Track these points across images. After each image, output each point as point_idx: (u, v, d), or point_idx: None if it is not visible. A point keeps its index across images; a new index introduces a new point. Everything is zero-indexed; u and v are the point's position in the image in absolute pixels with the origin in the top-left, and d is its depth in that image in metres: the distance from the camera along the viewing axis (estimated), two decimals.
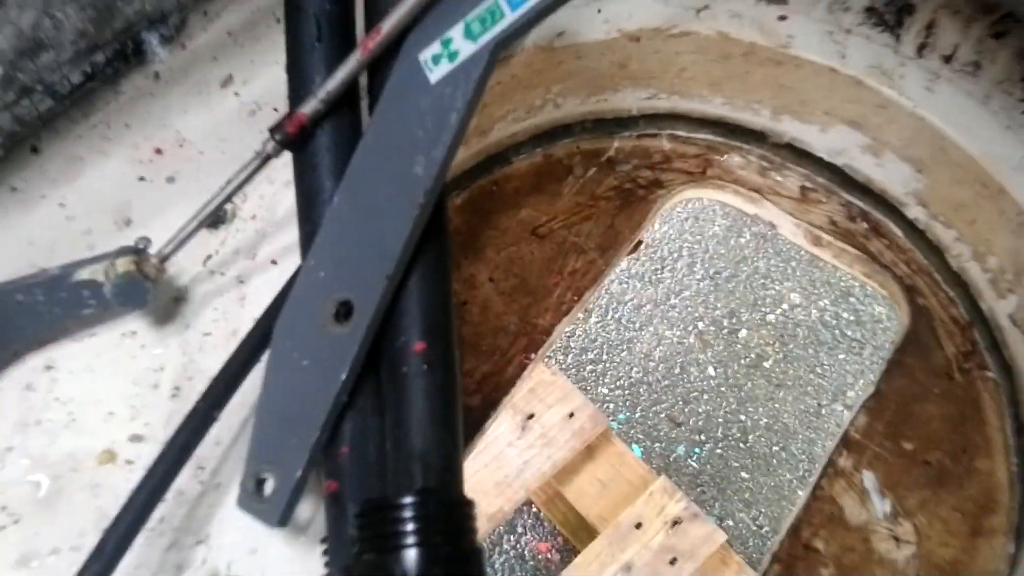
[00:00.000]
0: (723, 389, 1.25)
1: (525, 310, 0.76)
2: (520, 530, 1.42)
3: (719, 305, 1.25)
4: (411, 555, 0.43)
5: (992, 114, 0.70)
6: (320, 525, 0.53)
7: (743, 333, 1.25)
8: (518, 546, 1.36)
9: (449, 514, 0.46)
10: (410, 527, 0.44)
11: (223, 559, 0.51)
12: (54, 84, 0.63)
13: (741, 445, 1.45)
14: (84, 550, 0.51)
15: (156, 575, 0.51)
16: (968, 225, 0.71)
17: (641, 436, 1.19)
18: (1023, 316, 0.69)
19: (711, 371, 1.24)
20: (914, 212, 0.75)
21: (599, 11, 0.72)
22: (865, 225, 0.79)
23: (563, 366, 1.24)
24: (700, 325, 1.24)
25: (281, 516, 0.47)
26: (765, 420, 1.46)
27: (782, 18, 0.73)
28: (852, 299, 1.43)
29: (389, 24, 0.50)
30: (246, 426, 0.55)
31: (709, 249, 1.27)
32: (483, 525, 0.85)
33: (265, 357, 0.52)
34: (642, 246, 0.97)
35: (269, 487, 0.48)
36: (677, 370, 1.22)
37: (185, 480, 0.52)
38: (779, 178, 0.81)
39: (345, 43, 0.55)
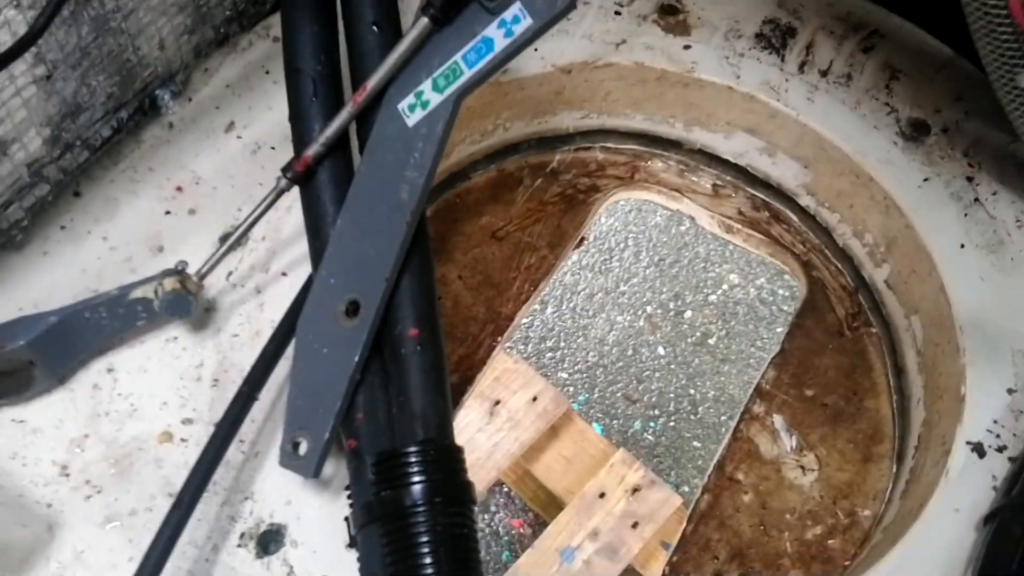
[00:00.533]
0: (673, 367, 1.28)
1: (490, 301, 0.91)
2: (494, 509, 1.51)
3: (665, 289, 1.28)
4: (417, 488, 0.57)
5: (861, 117, 0.85)
6: (340, 480, 0.66)
7: (688, 314, 1.29)
8: (493, 523, 1.45)
9: (444, 456, 0.60)
10: (415, 468, 0.58)
11: (266, 510, 0.65)
12: (89, 139, 0.76)
13: (692, 417, 1.56)
14: (156, 511, 0.64)
15: (215, 526, 0.64)
16: (848, 209, 0.87)
17: (600, 415, 1.23)
18: (895, 281, 0.84)
19: (661, 351, 1.27)
20: (805, 200, 0.91)
21: (536, 49, 0.86)
22: (767, 214, 0.94)
23: (525, 355, 1.27)
24: (648, 309, 1.27)
25: (315, 469, 0.61)
26: (713, 392, 1.57)
27: (687, 47, 0.88)
28: (786, 276, 1.56)
29: (373, 82, 0.64)
30: (275, 406, 0.68)
31: (653, 238, 1.31)
32: None
33: (290, 349, 0.66)
34: (585, 242, 1.10)
35: (303, 448, 0.62)
36: (630, 352, 1.25)
37: (230, 452, 0.65)
38: (694, 178, 0.96)
39: (336, 97, 0.69)
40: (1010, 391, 0.71)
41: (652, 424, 1.23)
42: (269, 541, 0.64)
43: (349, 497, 0.62)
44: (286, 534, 0.64)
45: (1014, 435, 0.69)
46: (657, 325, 1.25)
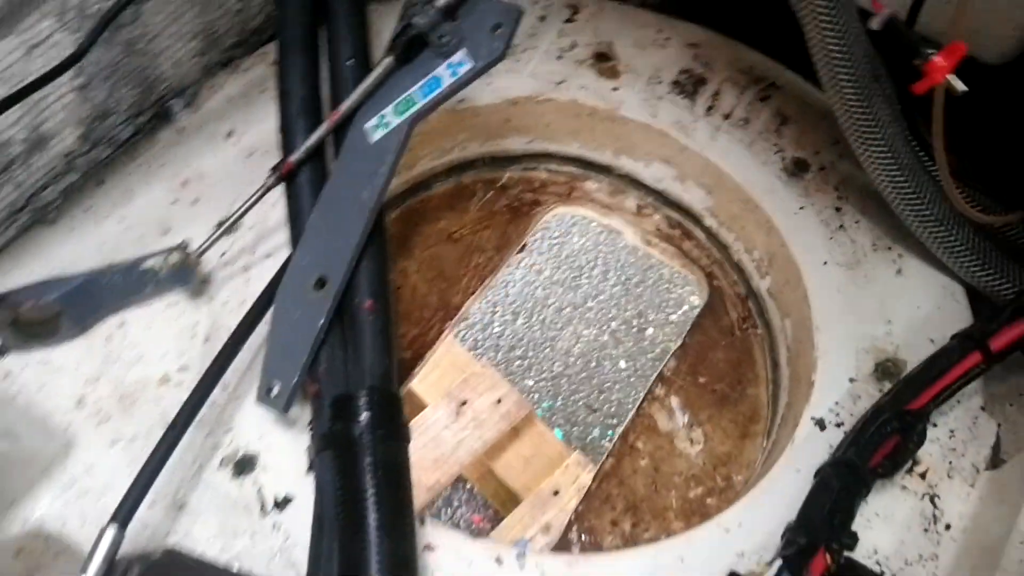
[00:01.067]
0: (632, 379, 1.32)
1: (442, 292, 1.07)
2: (456, 504, 1.62)
3: (629, 307, 1.33)
4: (363, 423, 0.73)
5: (754, 155, 1.03)
6: (303, 420, 0.82)
7: (650, 331, 1.33)
8: (455, 517, 1.57)
9: (386, 400, 0.76)
10: (363, 407, 0.74)
11: (243, 440, 0.80)
12: (113, 138, 0.93)
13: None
14: (153, 438, 0.79)
15: (200, 452, 0.80)
16: (741, 230, 1.04)
17: (562, 421, 1.28)
18: (774, 290, 1.01)
19: (622, 364, 1.32)
20: (708, 221, 1.08)
21: (489, 84, 1.03)
22: (679, 231, 1.11)
23: (494, 362, 1.32)
24: (613, 325, 1.33)
25: (286, 406, 0.77)
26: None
27: (615, 89, 1.05)
28: (692, 284, 1.62)
29: (346, 105, 0.81)
30: (253, 361, 0.84)
31: (621, 259, 1.36)
32: (424, 495, 0.99)
33: (269, 314, 0.82)
34: (526, 248, 1.24)
35: (276, 390, 0.78)
36: (593, 364, 1.30)
37: (216, 394, 0.80)
38: (622, 198, 1.13)
39: (316, 116, 0.86)
40: (851, 380, 0.88)
41: (610, 432, 1.27)
42: (244, 465, 0.80)
43: (311, 429, 0.78)
44: (258, 460, 0.80)
45: (851, 415, 0.85)
46: (620, 340, 1.30)
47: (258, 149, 0.97)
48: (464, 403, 1.06)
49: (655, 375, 1.04)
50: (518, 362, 1.28)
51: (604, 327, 1.30)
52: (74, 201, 0.91)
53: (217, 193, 0.94)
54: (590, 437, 1.25)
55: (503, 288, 1.31)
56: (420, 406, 1.02)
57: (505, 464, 1.05)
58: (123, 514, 0.69)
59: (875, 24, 0.78)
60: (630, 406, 1.35)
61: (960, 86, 0.76)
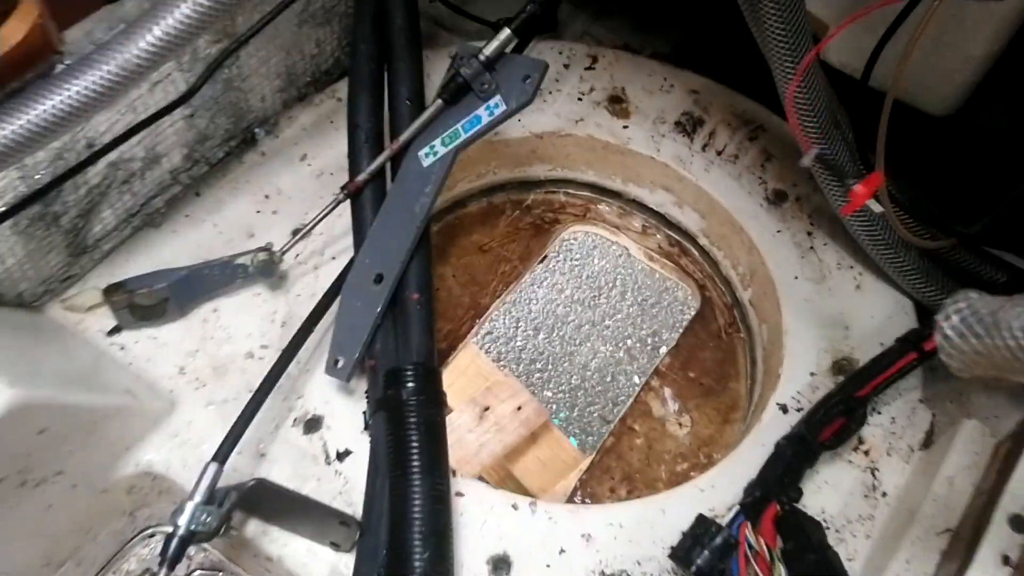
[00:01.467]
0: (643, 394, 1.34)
1: (473, 295, 1.27)
2: None
3: (644, 327, 1.37)
4: (409, 387, 0.92)
5: (741, 186, 1.21)
6: (360, 390, 1.01)
7: (663, 349, 1.36)
8: None
9: (428, 373, 0.95)
10: (409, 377, 0.93)
11: (312, 404, 0.99)
12: (209, 158, 1.13)
13: None
14: (240, 400, 0.98)
15: (277, 413, 0.99)
16: (729, 248, 1.23)
17: (577, 431, 1.30)
18: (754, 300, 1.20)
19: (636, 379, 1.34)
20: (703, 241, 1.26)
21: (519, 121, 1.22)
22: (677, 249, 1.30)
23: (516, 373, 1.35)
24: (629, 342, 1.36)
25: (348, 376, 0.96)
26: None
27: (625, 127, 1.25)
28: (687, 294, 1.70)
29: (404, 137, 1.00)
30: (321, 341, 1.03)
31: (638, 281, 1.41)
32: None
33: (335, 304, 1.01)
34: (547, 259, 1.40)
35: (341, 363, 0.97)
36: (609, 378, 1.34)
37: (291, 367, 1.00)
38: (629, 219, 1.32)
39: (379, 145, 1.05)
40: (812, 374, 1.05)
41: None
42: (312, 424, 0.99)
43: (367, 397, 0.97)
44: (323, 421, 0.99)
45: (809, 402, 1.03)
46: (635, 357, 1.35)
47: (326, 171, 1.17)
48: (487, 409, 1.15)
49: (652, 369, 1.22)
50: (538, 374, 1.34)
51: (620, 344, 1.36)
52: (176, 208, 1.11)
53: (292, 206, 1.13)
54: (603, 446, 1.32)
55: (526, 305, 1.37)
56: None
57: (523, 467, 1.12)
58: (222, 454, 0.88)
59: (806, 161, 0.96)
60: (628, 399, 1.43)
61: (877, 208, 0.94)
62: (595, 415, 1.27)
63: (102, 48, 0.74)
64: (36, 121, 0.73)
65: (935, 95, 1.08)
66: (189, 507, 0.84)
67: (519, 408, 1.16)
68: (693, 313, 1.26)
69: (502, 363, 1.27)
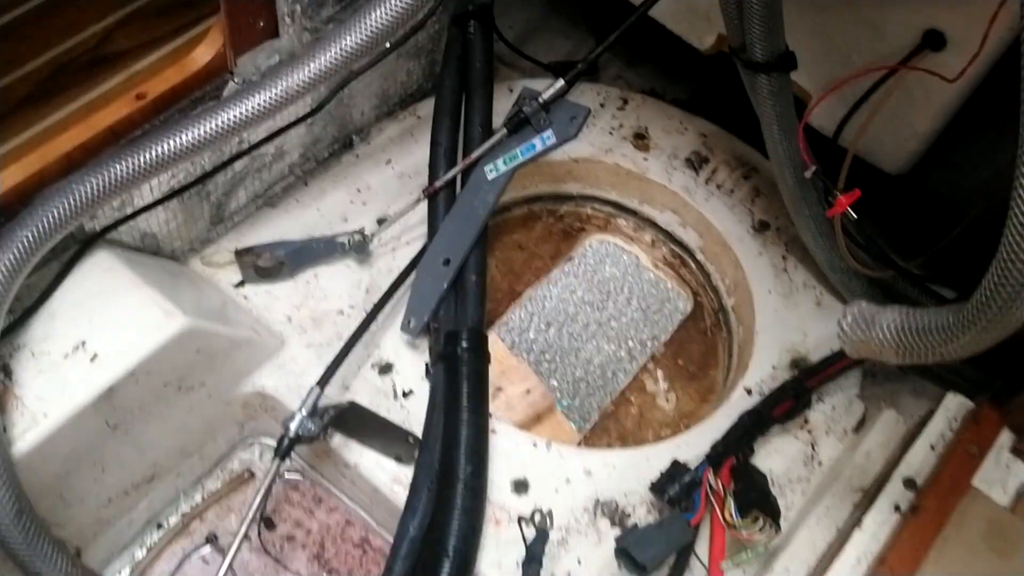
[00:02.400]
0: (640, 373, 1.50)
1: (510, 283, 1.56)
2: None
3: (646, 330, 1.51)
4: (463, 345, 1.22)
5: (733, 215, 1.50)
6: (423, 347, 1.30)
7: (661, 350, 1.52)
8: None
9: (478, 336, 1.24)
10: (464, 337, 1.23)
11: (385, 353, 1.28)
12: (317, 156, 1.43)
13: None
14: (333, 346, 1.27)
15: (360, 358, 1.28)
16: (719, 264, 1.52)
17: (577, 418, 1.43)
18: (736, 307, 1.49)
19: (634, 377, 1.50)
20: (699, 256, 1.55)
21: (560, 148, 1.52)
22: (679, 261, 1.59)
23: (527, 361, 1.48)
24: (630, 343, 1.50)
25: (418, 333, 1.26)
26: None
27: (645, 159, 1.54)
28: (682, 298, 1.62)
29: (474, 155, 1.30)
30: (396, 306, 1.32)
31: (644, 289, 1.56)
32: None
33: (410, 278, 1.31)
34: (572, 260, 1.67)
35: (412, 323, 1.27)
36: (610, 374, 1.47)
37: (373, 324, 1.29)
38: (642, 233, 1.62)
39: (453, 159, 1.35)
40: (773, 367, 1.34)
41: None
42: (385, 369, 1.28)
43: (430, 354, 1.27)
44: (394, 367, 1.28)
45: (769, 388, 1.32)
46: (635, 357, 1.50)
47: (405, 173, 1.47)
48: (499, 389, 1.30)
49: (648, 357, 1.51)
50: (546, 364, 1.47)
51: (622, 344, 1.50)
52: (289, 194, 1.40)
53: (378, 199, 1.43)
54: (585, 432, 1.44)
55: (541, 302, 1.52)
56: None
57: None
58: (323, 381, 1.18)
59: (808, 174, 1.25)
60: (595, 404, 1.51)
61: (853, 215, 1.23)
62: (594, 405, 1.44)
63: (271, 74, 1.03)
64: (216, 128, 1.02)
65: (890, 157, 1.36)
66: (298, 417, 1.14)
67: (528, 391, 1.32)
68: (687, 314, 1.55)
69: (515, 351, 1.43)
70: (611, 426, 1.43)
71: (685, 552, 1.10)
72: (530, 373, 1.33)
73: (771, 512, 1.10)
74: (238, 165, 1.25)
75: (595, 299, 1.54)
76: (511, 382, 1.28)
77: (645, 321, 1.52)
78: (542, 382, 1.27)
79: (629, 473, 1.22)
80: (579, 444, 1.40)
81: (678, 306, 1.57)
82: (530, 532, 1.14)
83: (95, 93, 1.04)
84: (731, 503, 1.13)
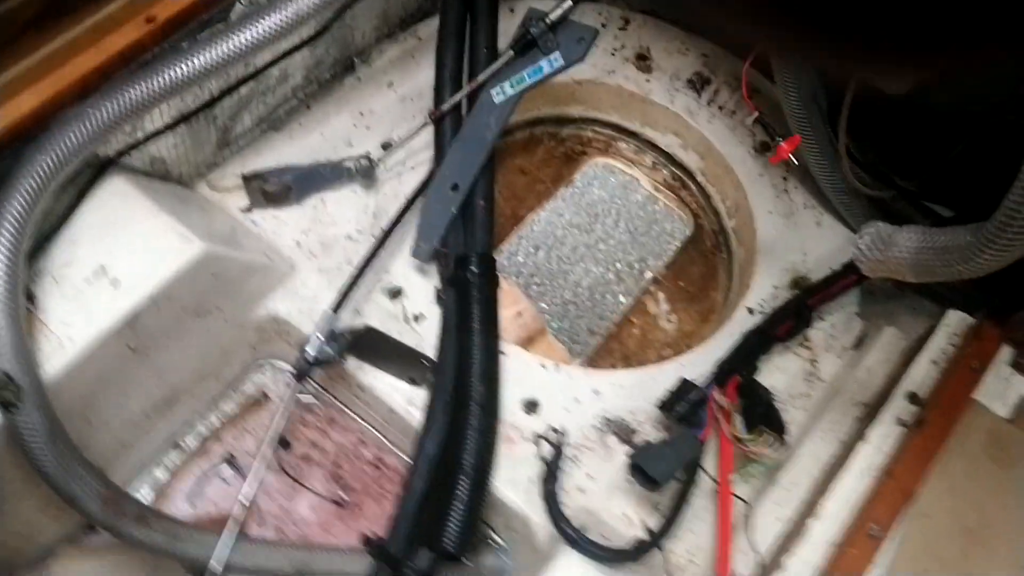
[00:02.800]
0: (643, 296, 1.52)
1: (513, 207, 1.57)
2: None
3: (633, 253, 1.53)
4: (473, 271, 1.24)
5: (734, 134, 1.52)
6: (432, 272, 1.32)
7: (648, 274, 1.55)
8: None
9: (487, 260, 1.26)
10: (473, 262, 1.25)
11: (395, 278, 1.30)
12: (320, 79, 1.41)
13: None
14: (342, 270, 1.29)
15: (370, 283, 1.30)
16: (720, 185, 1.54)
17: (567, 339, 1.46)
18: (737, 228, 1.51)
19: (621, 299, 1.52)
20: (700, 178, 1.57)
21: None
22: (679, 183, 1.61)
23: (517, 284, 1.50)
24: (618, 266, 1.52)
25: (428, 257, 1.28)
26: None
27: (647, 80, 1.54)
28: (683, 220, 1.66)
29: (480, 78, 1.30)
30: (405, 230, 1.34)
31: (632, 212, 1.57)
32: None
33: (419, 202, 1.32)
34: (572, 184, 1.70)
35: (423, 248, 1.28)
36: (598, 296, 1.49)
37: (382, 251, 1.31)
38: (643, 156, 1.63)
39: (458, 82, 1.35)
40: (774, 287, 1.38)
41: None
42: (395, 293, 1.30)
43: (440, 274, 1.29)
44: (404, 291, 1.30)
45: (770, 308, 1.35)
46: (622, 279, 1.52)
47: (408, 96, 1.46)
48: None
49: (638, 279, 1.54)
50: (535, 287, 1.48)
51: (610, 267, 1.52)
52: (293, 118, 1.40)
53: (381, 123, 1.43)
54: (588, 356, 1.48)
55: (530, 226, 1.53)
56: None
57: None
58: (337, 305, 1.20)
59: (748, 122, 1.27)
60: (600, 328, 1.64)
61: (795, 162, 1.27)
62: (583, 327, 1.46)
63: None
64: (227, 52, 1.03)
65: (892, 78, 1.37)
66: (315, 341, 1.16)
67: (519, 314, 1.35)
68: (688, 236, 1.58)
69: (505, 274, 1.45)
70: (615, 347, 1.47)
71: (693, 466, 1.14)
72: (520, 296, 1.35)
73: (776, 427, 1.14)
74: (243, 89, 1.24)
75: (583, 221, 1.55)
76: (502, 305, 1.29)
77: (633, 243, 1.54)
78: (532, 305, 1.28)
79: (636, 392, 1.25)
80: (583, 365, 1.43)
81: (672, 228, 1.59)
82: (546, 449, 1.18)
83: (102, 15, 1.02)
84: (737, 419, 1.17)
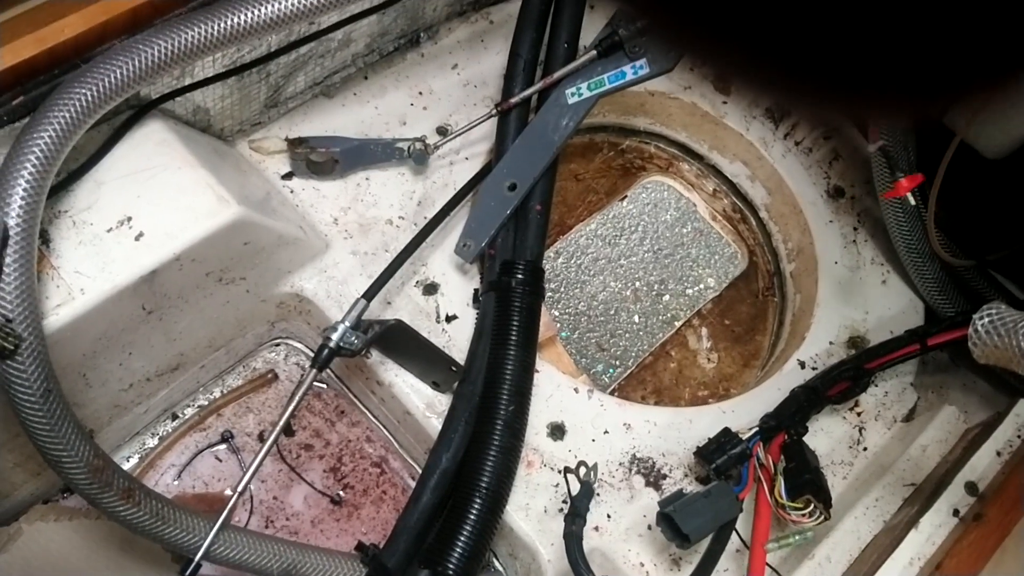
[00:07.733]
0: (641, 333, 1.45)
1: (562, 215, 1.48)
2: None
3: (654, 273, 1.48)
4: (520, 277, 1.15)
5: (809, 175, 1.43)
6: (472, 272, 1.24)
7: (666, 298, 1.48)
8: None
9: (535, 270, 1.17)
10: (519, 270, 1.16)
11: (432, 273, 1.22)
12: (382, 49, 1.32)
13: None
14: (378, 256, 1.21)
15: (405, 276, 1.21)
16: (784, 225, 1.45)
17: (574, 352, 1.41)
18: (796, 273, 1.43)
19: (636, 318, 1.47)
20: (763, 213, 1.48)
21: None
22: (739, 216, 1.52)
23: None
24: (637, 284, 1.47)
25: (472, 258, 1.19)
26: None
27: (724, 103, 1.45)
28: (737, 255, 1.61)
29: (556, 75, 1.21)
30: (450, 227, 1.25)
31: (659, 231, 1.52)
32: None
33: (470, 197, 1.23)
34: (626, 198, 1.61)
35: (469, 246, 1.19)
36: (612, 312, 1.44)
37: (429, 237, 1.22)
38: (704, 181, 1.54)
39: (532, 76, 1.26)
40: (830, 343, 1.29)
41: (611, 370, 1.42)
42: (431, 289, 1.21)
43: (482, 280, 1.20)
44: (440, 288, 1.21)
45: (824, 364, 1.27)
46: (639, 298, 1.46)
47: (471, 82, 1.37)
48: None
49: (695, 311, 1.45)
50: (550, 294, 1.42)
51: (629, 284, 1.47)
52: (348, 86, 1.31)
53: (440, 105, 1.34)
54: (594, 370, 1.42)
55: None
56: None
57: None
58: (370, 294, 1.10)
59: (872, 149, 1.18)
60: (632, 354, 1.47)
61: (912, 201, 1.16)
62: (593, 341, 1.41)
63: None
64: (299, 5, 0.93)
65: (993, 142, 1.28)
66: (340, 328, 1.07)
67: None
68: (740, 272, 1.49)
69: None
70: (648, 378, 1.38)
71: (729, 528, 1.05)
72: None
73: (824, 498, 1.05)
74: (303, 48, 1.15)
75: (608, 233, 1.50)
76: None
77: (655, 263, 1.48)
78: (546, 311, 1.21)
79: (670, 433, 1.17)
80: (613, 393, 1.35)
81: (730, 263, 1.50)
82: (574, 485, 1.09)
83: None
84: (780, 482, 1.09)
